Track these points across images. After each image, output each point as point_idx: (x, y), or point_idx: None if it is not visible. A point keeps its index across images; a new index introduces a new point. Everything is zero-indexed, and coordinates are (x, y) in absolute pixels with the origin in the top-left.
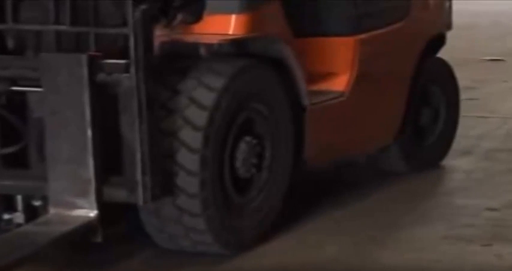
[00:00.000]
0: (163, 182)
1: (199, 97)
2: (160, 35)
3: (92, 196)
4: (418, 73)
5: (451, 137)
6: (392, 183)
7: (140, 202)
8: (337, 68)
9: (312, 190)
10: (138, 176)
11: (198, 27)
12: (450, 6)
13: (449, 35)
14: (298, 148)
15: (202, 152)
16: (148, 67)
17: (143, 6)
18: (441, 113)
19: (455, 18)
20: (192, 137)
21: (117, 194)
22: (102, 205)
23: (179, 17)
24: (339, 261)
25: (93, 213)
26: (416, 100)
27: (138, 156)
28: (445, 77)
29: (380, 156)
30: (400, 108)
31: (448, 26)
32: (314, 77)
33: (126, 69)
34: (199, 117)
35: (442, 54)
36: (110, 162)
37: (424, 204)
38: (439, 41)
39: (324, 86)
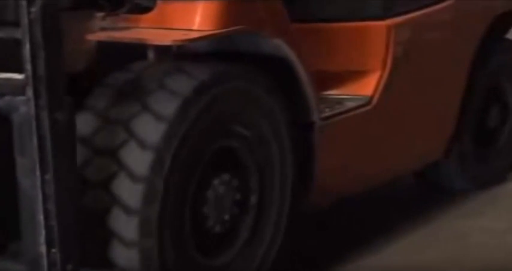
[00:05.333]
0: (82, 255)
1: (141, 132)
2: (99, 29)
3: None
4: (478, 64)
5: None
6: None
7: None
8: (363, 64)
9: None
10: (41, 248)
11: (153, 19)
12: None
13: None
14: (303, 181)
15: (143, 213)
16: (57, 87)
17: None
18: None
19: None
20: (128, 192)
21: (15, 269)
22: None
23: (129, 2)
24: None
25: None
26: (478, 98)
27: (41, 218)
28: None
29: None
30: (453, 113)
31: None
32: (330, 78)
33: (22, 89)
34: (140, 162)
35: None
36: (5, 222)
37: None
38: (507, 19)
39: (344, 90)
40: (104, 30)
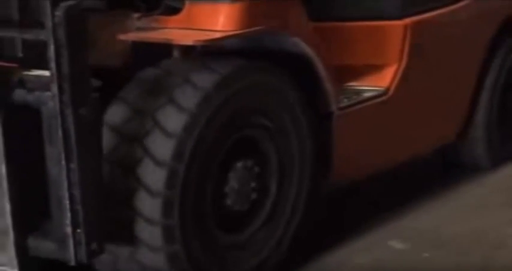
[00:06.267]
0: (106, 235)
1: (165, 122)
2: (135, 29)
3: (11, 250)
4: (493, 56)
5: None
6: None
7: (71, 261)
8: (381, 59)
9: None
10: (68, 229)
11: (181, 20)
12: None
13: None
14: (323, 164)
15: (167, 194)
16: (81, 84)
17: (68, 2)
18: None
19: None
20: (152, 176)
21: (44, 247)
22: (27, 261)
23: (163, 4)
24: None
25: None
26: (498, 86)
27: (66, 203)
28: None
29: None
30: (464, 102)
31: None
32: (351, 72)
33: (49, 85)
34: (163, 149)
35: None
36: (36, 203)
37: None
38: None
39: (363, 82)
40: (139, 29)
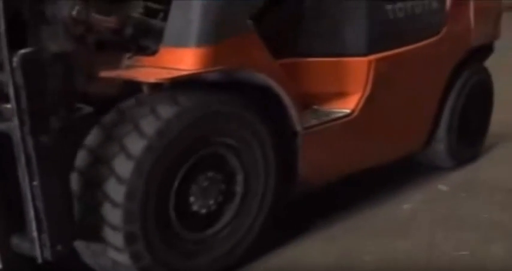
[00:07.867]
0: (71, 237)
1: (128, 146)
2: (125, 66)
3: None
4: (452, 85)
5: (487, 127)
6: None
7: (39, 259)
8: (348, 87)
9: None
10: (34, 233)
11: (156, 60)
12: (498, 14)
13: None
14: (290, 175)
15: (127, 205)
16: (39, 116)
17: (24, 50)
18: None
19: None
20: (114, 190)
21: (23, 246)
22: (11, 256)
23: (151, 46)
24: None
25: None
26: (458, 105)
27: (32, 214)
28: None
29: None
30: (427, 120)
31: (495, 35)
32: (321, 97)
33: None
34: (124, 169)
35: None
36: (19, 209)
37: None
38: (483, 51)
39: (331, 105)
40: (127, 67)
